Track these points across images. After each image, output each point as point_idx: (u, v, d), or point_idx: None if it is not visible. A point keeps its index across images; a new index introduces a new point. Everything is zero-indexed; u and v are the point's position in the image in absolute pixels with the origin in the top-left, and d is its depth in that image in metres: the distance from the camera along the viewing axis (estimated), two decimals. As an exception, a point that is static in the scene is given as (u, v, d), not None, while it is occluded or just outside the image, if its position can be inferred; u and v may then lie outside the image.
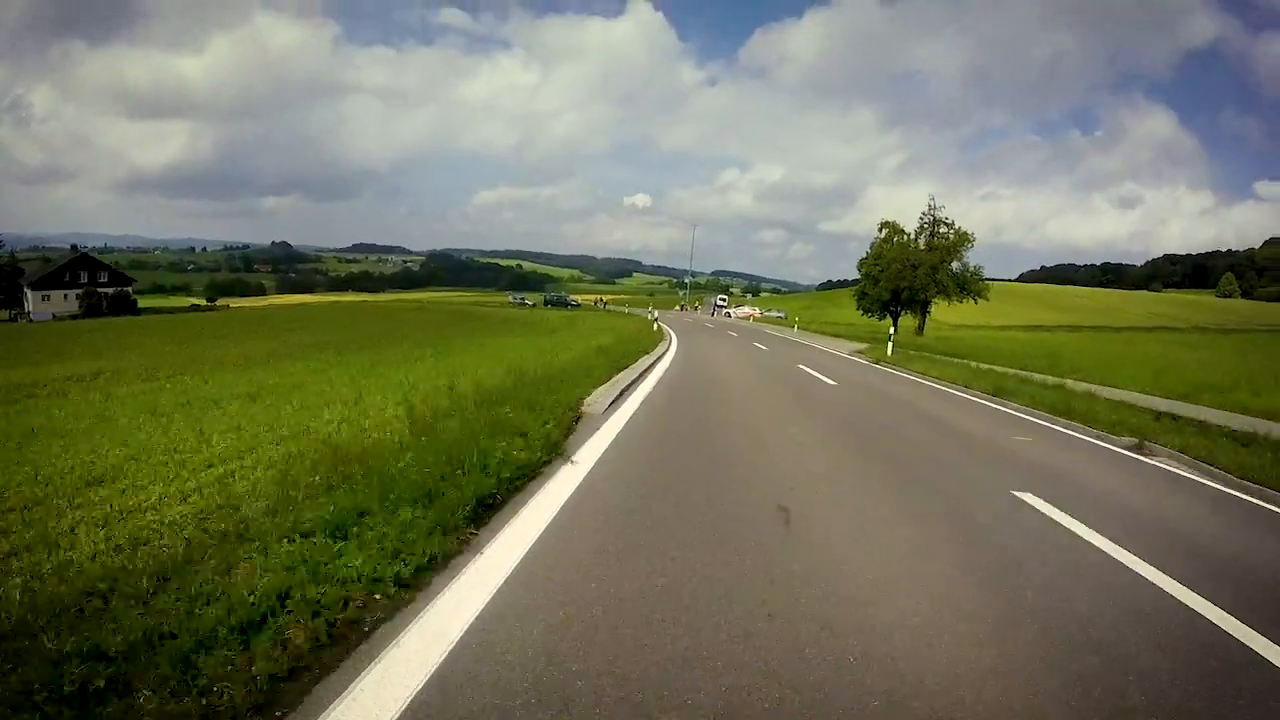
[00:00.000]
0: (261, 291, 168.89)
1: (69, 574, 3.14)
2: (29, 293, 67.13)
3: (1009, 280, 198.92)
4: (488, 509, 3.40)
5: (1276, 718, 2.25)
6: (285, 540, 2.80)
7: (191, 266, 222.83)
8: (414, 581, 2.52)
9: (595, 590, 2.69)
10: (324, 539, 2.76)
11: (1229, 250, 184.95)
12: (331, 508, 3.04)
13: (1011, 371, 15.04)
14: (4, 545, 4.04)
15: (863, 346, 22.27)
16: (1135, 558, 3.63)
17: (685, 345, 18.74)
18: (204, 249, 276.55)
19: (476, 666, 2.10)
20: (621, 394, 8.09)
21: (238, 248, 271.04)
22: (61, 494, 5.35)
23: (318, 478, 3.84)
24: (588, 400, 6.99)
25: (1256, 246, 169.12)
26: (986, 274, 38.40)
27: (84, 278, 67.11)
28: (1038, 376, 13.82)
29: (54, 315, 63.96)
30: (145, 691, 1.96)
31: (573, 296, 72.72)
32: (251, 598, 2.27)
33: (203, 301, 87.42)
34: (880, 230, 39.20)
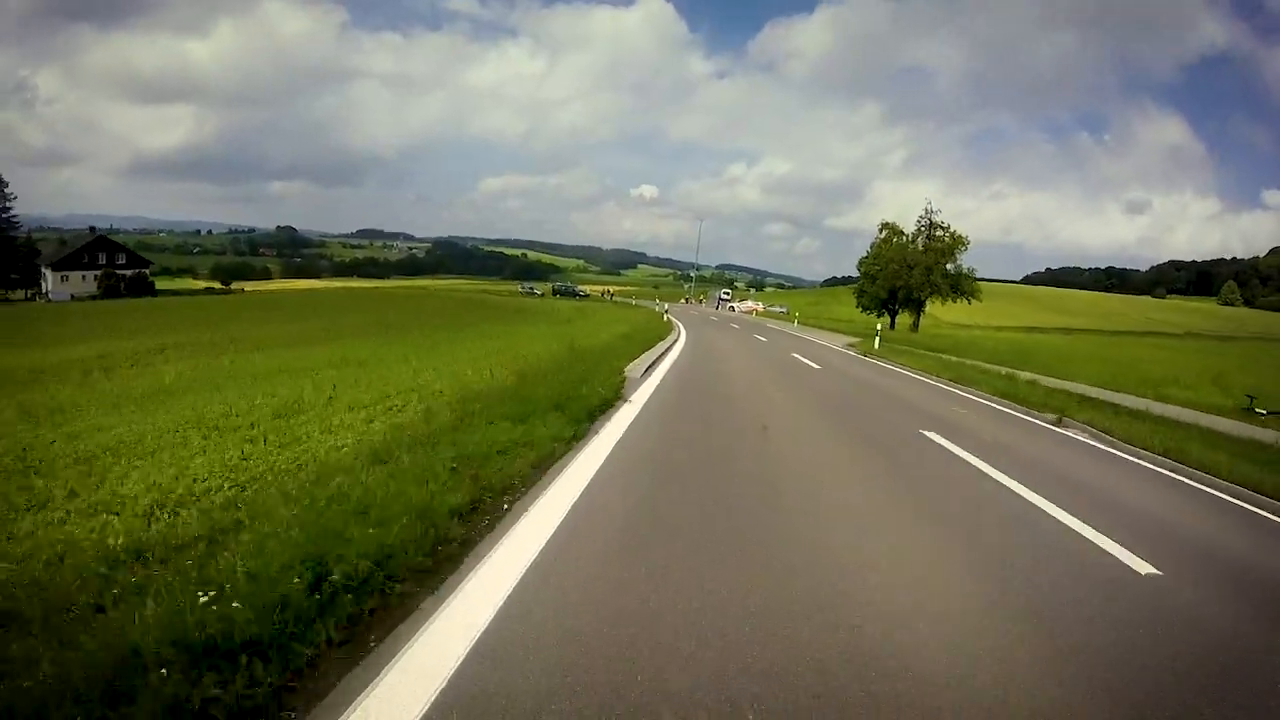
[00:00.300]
0: (267, 275, 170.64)
1: (348, 450, 5.47)
2: (48, 273, 69.00)
3: (1014, 282, 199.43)
4: (591, 418, 5.78)
5: (1052, 551, 4.57)
6: (488, 425, 5.14)
7: (197, 249, 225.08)
8: (572, 440, 4.88)
9: (658, 447, 5.08)
10: (513, 424, 5.10)
11: (1234, 258, 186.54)
12: (511, 409, 5.40)
13: (982, 365, 17.39)
14: (273, 441, 6.37)
15: (855, 341, 24.65)
16: (998, 470, 5.95)
17: (694, 336, 21.15)
18: (209, 232, 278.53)
19: (611, 468, 4.47)
20: (649, 367, 10.46)
21: (243, 231, 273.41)
22: (263, 422, 7.67)
23: (476, 406, 6.18)
24: (627, 369, 9.35)
25: (1262, 255, 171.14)
26: (992, 275, 41.09)
27: (102, 259, 69.26)
28: (1000, 369, 16.17)
29: (72, 295, 65.70)
30: (474, 472, 4.27)
31: (581, 287, 75.27)
32: (501, 440, 4.61)
33: (217, 285, 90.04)
34: (881, 231, 41.54)
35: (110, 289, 65.66)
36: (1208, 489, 6.16)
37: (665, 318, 27.93)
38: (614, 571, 2.95)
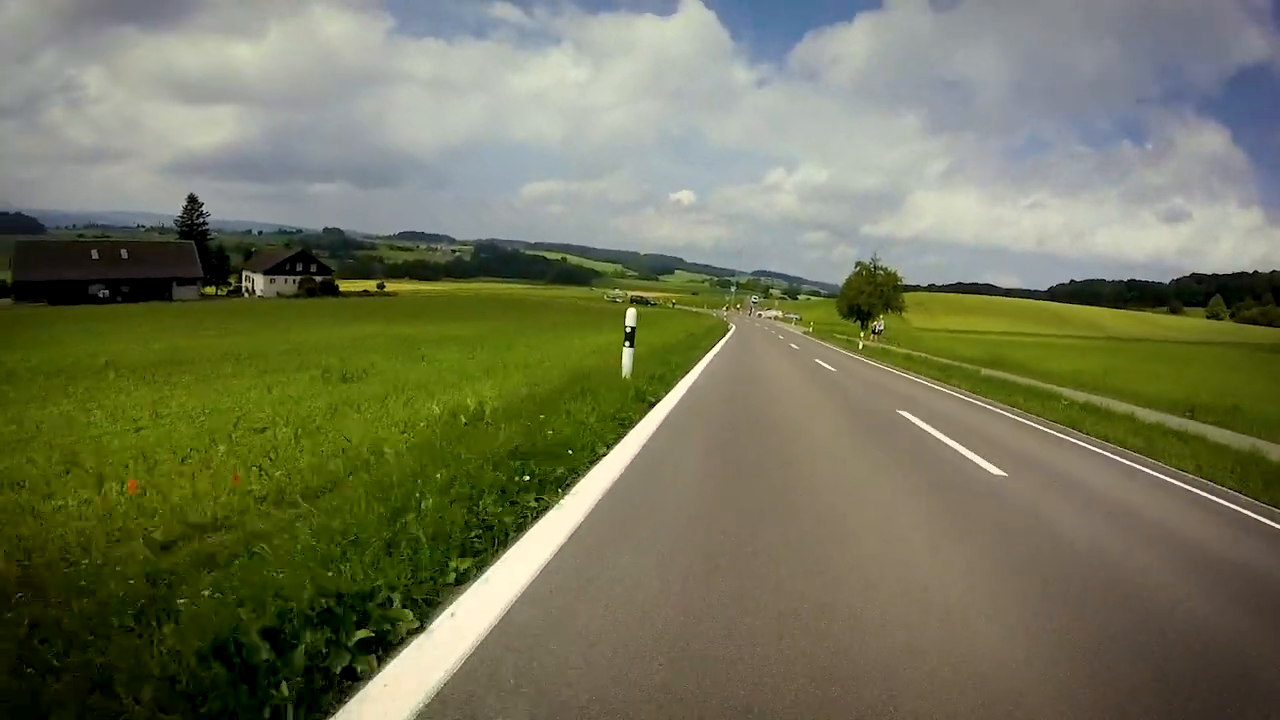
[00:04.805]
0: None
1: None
2: (258, 277, 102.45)
3: (1038, 294, 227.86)
4: (704, 353, 38.26)
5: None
6: (695, 346, 38.17)
7: (254, 250, 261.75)
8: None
9: (738, 333, 38.08)
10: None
11: (1254, 271, 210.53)
12: (701, 341, 38.44)
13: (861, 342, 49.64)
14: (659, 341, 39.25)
15: (809, 330, 57.00)
16: (792, 341, 38.55)
17: (737, 324, 53.83)
18: (259, 232, 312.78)
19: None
20: (730, 324, 43.39)
21: (292, 232, 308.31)
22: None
23: (693, 340, 38.99)
24: (727, 325, 42.28)
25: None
26: (1020, 286, 74.32)
27: (300, 267, 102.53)
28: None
29: (279, 294, 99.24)
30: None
31: (651, 296, 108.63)
32: (701, 346, 37.56)
33: (373, 287, 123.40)
34: (856, 266, 74.06)
35: (310, 290, 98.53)
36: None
37: (724, 319, 60.94)
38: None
